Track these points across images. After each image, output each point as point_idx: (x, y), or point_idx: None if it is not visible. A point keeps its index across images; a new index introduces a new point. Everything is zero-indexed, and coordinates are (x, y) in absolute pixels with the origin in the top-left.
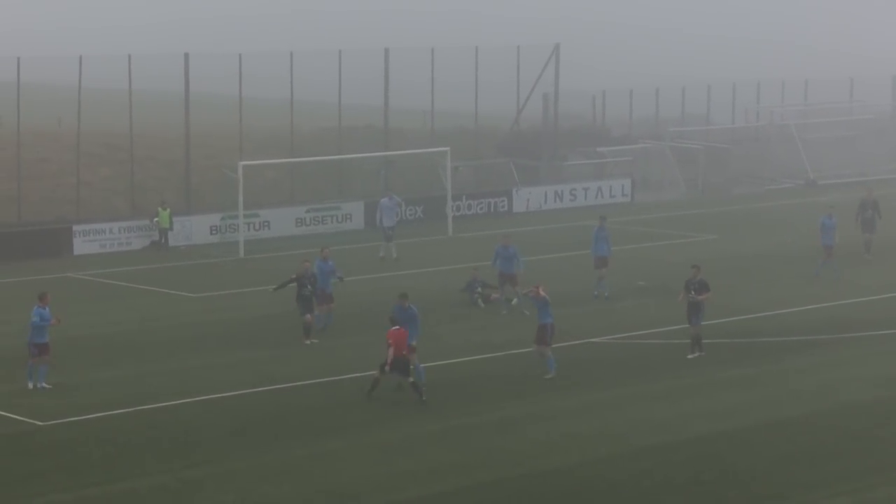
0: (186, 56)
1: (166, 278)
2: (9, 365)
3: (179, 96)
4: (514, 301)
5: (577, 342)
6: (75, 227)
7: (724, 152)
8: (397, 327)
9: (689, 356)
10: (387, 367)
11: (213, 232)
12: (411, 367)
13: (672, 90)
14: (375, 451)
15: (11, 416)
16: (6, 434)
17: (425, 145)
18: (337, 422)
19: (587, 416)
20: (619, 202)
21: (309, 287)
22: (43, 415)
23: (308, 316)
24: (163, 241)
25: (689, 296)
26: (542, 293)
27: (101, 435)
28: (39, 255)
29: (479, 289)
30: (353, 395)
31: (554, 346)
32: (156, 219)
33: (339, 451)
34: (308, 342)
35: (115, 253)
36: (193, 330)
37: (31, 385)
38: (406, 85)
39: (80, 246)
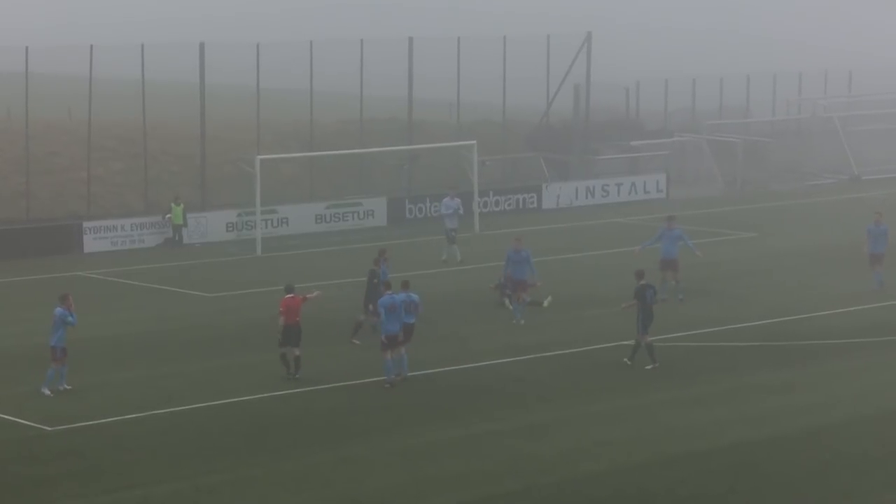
0: (202, 46)
1: (180, 277)
2: (17, 367)
3: (194, 88)
4: (547, 302)
5: (608, 345)
6: (86, 224)
7: (764, 146)
8: (291, 295)
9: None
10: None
11: (229, 229)
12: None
13: (710, 81)
14: (399, 458)
15: (20, 420)
16: (14, 439)
17: (451, 139)
18: (359, 427)
19: (619, 421)
20: (654, 198)
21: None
22: (52, 419)
23: (362, 317)
24: (176, 238)
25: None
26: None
27: (113, 440)
28: (48, 253)
29: (510, 291)
30: (377, 399)
31: (586, 348)
32: (169, 215)
33: (362, 458)
34: (356, 342)
35: (126, 251)
36: (209, 331)
37: (47, 391)
38: (431, 76)
39: (91, 243)
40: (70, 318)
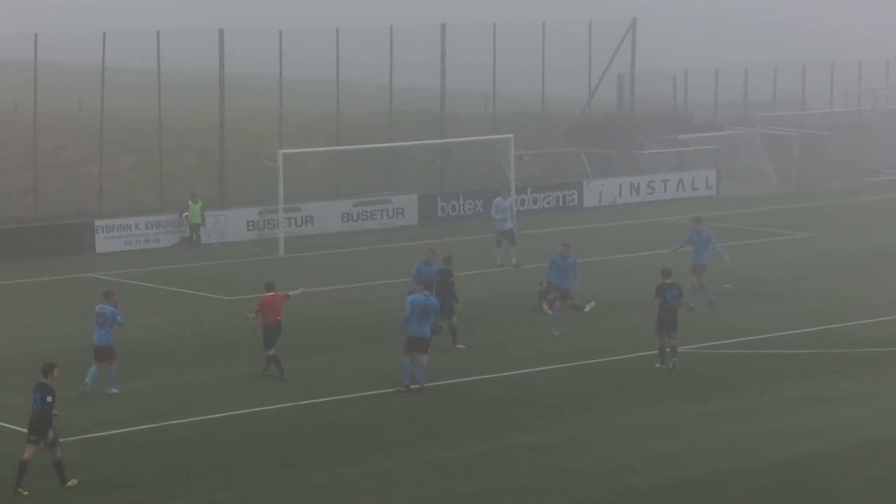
0: (221, 32)
1: (198, 279)
2: (24, 374)
3: (213, 77)
4: (589, 307)
5: (653, 352)
6: (97, 223)
7: (821, 140)
8: (272, 293)
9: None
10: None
11: (250, 228)
12: (419, 367)
13: (763, 70)
14: (429, 472)
15: (25, 430)
16: (20, 450)
17: (486, 132)
18: (387, 439)
19: (665, 434)
20: (703, 196)
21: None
22: (62, 430)
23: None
24: (194, 237)
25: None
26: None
27: (127, 452)
28: (58, 253)
29: (550, 297)
30: (405, 410)
31: (630, 356)
32: (186, 213)
33: (389, 472)
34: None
35: (140, 251)
36: (227, 336)
37: (88, 382)
38: (465, 65)
39: (103, 243)
40: (119, 318)
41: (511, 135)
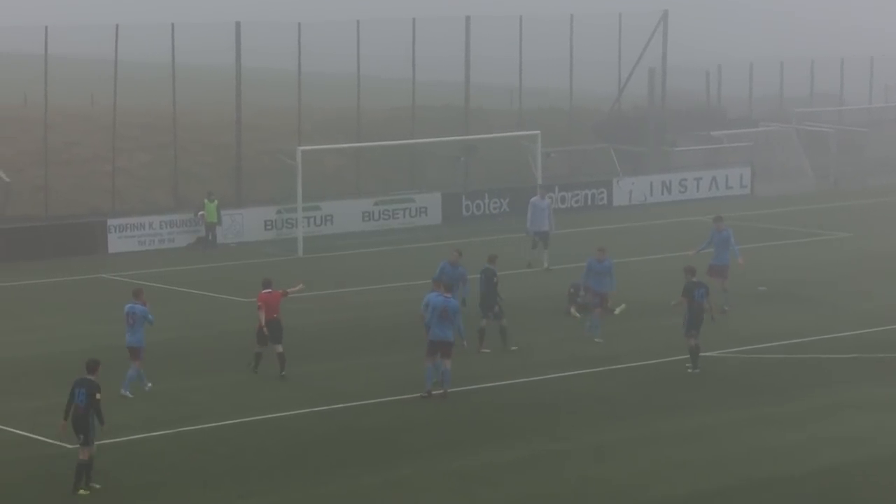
0: (237, 25)
1: (213, 280)
2: (34, 378)
3: (229, 71)
4: (619, 310)
5: (684, 356)
6: (110, 222)
7: (860, 136)
8: (269, 290)
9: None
10: (264, 331)
11: (268, 227)
12: (443, 371)
13: (799, 64)
14: (453, 480)
15: (37, 437)
16: (30, 458)
17: (512, 128)
18: (409, 446)
19: (697, 441)
20: (737, 194)
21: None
22: (72, 436)
23: (483, 322)
24: (210, 237)
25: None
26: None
27: (139, 459)
28: (69, 254)
29: (583, 301)
30: (428, 416)
31: (661, 360)
32: (201, 212)
33: (412, 480)
34: (485, 350)
35: (155, 251)
36: (244, 339)
37: (128, 394)
38: (490, 59)
39: (116, 243)
40: (150, 317)
41: (538, 131)
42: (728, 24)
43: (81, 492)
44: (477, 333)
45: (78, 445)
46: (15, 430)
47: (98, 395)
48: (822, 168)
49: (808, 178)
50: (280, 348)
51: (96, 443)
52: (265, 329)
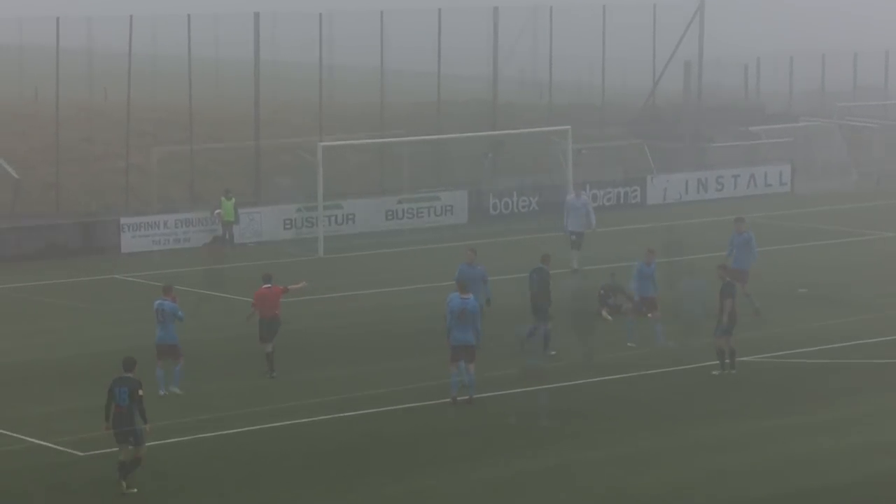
0: (256, 16)
1: (230, 281)
2: (44, 382)
3: (248, 65)
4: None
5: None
6: (123, 220)
7: None
8: (269, 285)
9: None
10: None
11: (287, 226)
12: (466, 376)
13: (841, 57)
14: (480, 490)
15: (47, 444)
16: (40, 466)
17: (541, 124)
18: (434, 454)
19: (737, 449)
20: (776, 192)
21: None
22: (84, 443)
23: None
24: (227, 236)
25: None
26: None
27: (152, 467)
28: (81, 253)
29: (631, 306)
30: (454, 423)
31: (697, 365)
32: (218, 210)
33: (438, 490)
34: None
35: (170, 251)
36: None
37: (164, 393)
38: (519, 52)
39: (129, 242)
40: (180, 313)
41: (569, 126)
42: (766, 17)
43: (132, 491)
44: (543, 339)
45: (118, 448)
46: (26, 438)
47: (141, 392)
48: (865, 165)
49: (850, 175)
50: (270, 347)
51: (111, 449)
52: (259, 326)
